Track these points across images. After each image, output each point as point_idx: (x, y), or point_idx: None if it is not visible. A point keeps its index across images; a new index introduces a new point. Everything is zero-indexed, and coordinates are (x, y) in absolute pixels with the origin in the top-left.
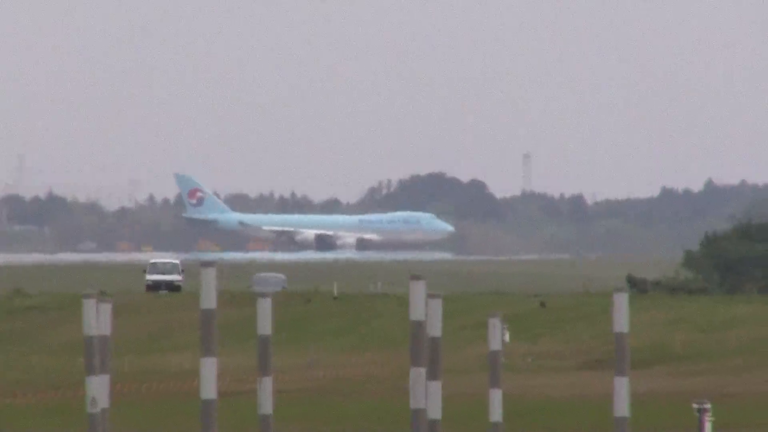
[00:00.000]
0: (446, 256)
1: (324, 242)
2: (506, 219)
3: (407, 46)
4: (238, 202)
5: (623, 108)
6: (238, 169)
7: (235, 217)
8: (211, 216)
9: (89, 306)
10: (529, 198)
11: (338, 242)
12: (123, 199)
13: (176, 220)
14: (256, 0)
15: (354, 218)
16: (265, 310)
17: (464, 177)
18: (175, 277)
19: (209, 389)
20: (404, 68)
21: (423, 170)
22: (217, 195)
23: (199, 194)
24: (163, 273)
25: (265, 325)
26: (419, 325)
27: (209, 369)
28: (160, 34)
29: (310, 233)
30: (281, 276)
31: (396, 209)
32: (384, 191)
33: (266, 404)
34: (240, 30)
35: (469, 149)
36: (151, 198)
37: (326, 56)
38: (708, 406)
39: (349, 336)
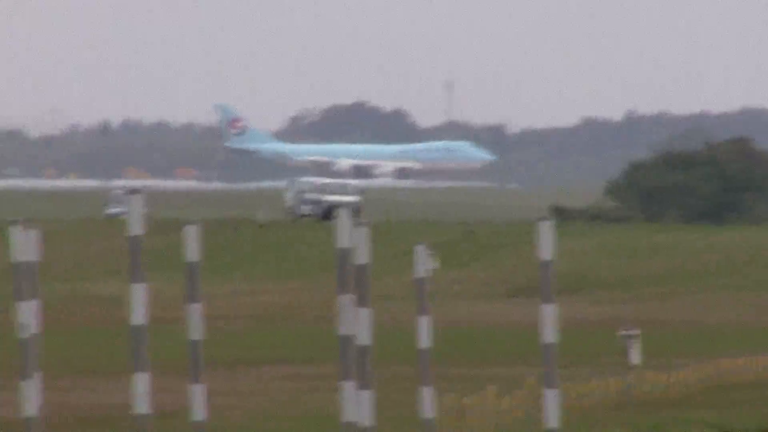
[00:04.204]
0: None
1: (361, 171)
2: None
3: None
4: (161, 131)
5: (545, 35)
6: (159, 98)
7: (276, 146)
8: (252, 146)
9: (16, 232)
10: (451, 127)
11: (376, 171)
12: (46, 127)
13: (101, 147)
14: None
15: (394, 148)
16: (192, 235)
17: (387, 106)
18: (353, 199)
19: (139, 315)
20: None
21: (346, 99)
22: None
23: (240, 124)
24: (341, 194)
25: (192, 251)
26: (345, 252)
27: (138, 295)
28: None
29: (347, 162)
30: None
31: (319, 139)
32: (306, 120)
33: (195, 330)
34: None
35: (392, 78)
36: (75, 126)
37: None
38: (637, 332)
39: (273, 264)
